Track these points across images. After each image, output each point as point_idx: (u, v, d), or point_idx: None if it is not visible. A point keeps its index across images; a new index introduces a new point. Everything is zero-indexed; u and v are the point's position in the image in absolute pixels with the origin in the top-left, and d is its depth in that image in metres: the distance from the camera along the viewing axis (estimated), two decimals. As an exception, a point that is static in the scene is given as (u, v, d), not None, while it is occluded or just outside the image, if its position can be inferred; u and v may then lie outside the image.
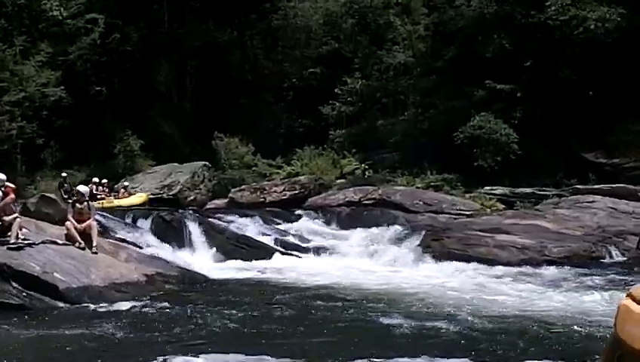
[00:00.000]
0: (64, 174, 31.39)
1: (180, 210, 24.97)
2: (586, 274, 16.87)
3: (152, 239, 20.00)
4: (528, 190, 26.65)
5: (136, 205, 27.75)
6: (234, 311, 12.45)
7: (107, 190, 29.89)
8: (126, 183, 30.78)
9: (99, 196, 28.25)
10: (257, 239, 21.38)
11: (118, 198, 28.92)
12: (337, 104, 36.42)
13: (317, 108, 36.64)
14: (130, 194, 29.42)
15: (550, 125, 28.45)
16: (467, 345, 10.01)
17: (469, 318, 11.72)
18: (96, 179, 30.32)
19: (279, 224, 24.57)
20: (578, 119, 28.00)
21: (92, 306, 13.04)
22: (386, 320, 11.66)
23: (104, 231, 18.59)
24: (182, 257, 18.76)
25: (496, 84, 28.87)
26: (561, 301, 13.64)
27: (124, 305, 13.07)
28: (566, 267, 17.94)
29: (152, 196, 30.09)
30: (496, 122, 28.42)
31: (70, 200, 28.52)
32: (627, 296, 3.47)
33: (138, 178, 33.05)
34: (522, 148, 27.98)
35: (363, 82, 36.29)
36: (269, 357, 9.19)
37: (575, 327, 11.08)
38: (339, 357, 9.27)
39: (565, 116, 28.20)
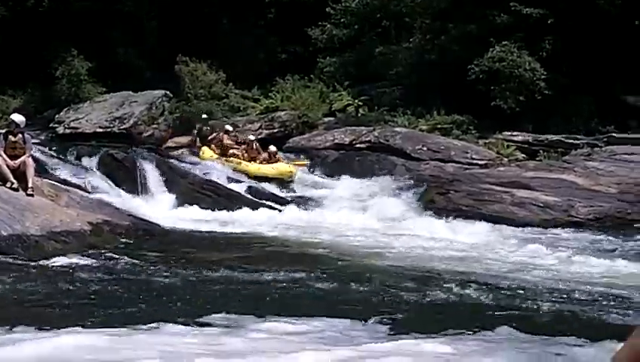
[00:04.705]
0: (205, 116, 29.05)
1: (134, 148, 24.88)
2: (619, 240, 16.92)
3: (99, 181, 19.97)
4: (554, 137, 26.54)
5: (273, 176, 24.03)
6: (194, 271, 12.42)
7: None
8: (272, 148, 25.34)
9: (231, 151, 25.50)
10: (226, 186, 21.38)
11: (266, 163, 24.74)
12: (328, 26, 36.04)
13: (304, 31, 36.31)
14: (268, 162, 24.74)
15: (585, 60, 28.26)
16: (473, 323, 9.92)
17: (476, 290, 11.70)
18: (229, 127, 27.41)
19: (254, 168, 24.51)
20: (619, 55, 27.83)
21: (24, 259, 12.94)
22: (375, 289, 11.63)
23: (42, 170, 18.49)
24: (135, 204, 18.79)
25: (522, 7, 28.46)
26: (588, 272, 13.65)
27: (62, 260, 13.01)
28: (596, 231, 18.00)
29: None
30: (520, 54, 28.13)
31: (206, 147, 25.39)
32: None
33: (84, 108, 32.80)
34: (550, 86, 27.76)
35: (360, -1, 35.93)
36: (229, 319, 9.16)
37: (604, 304, 11.08)
38: (323, 337, 9.23)
39: (604, 50, 27.99)
